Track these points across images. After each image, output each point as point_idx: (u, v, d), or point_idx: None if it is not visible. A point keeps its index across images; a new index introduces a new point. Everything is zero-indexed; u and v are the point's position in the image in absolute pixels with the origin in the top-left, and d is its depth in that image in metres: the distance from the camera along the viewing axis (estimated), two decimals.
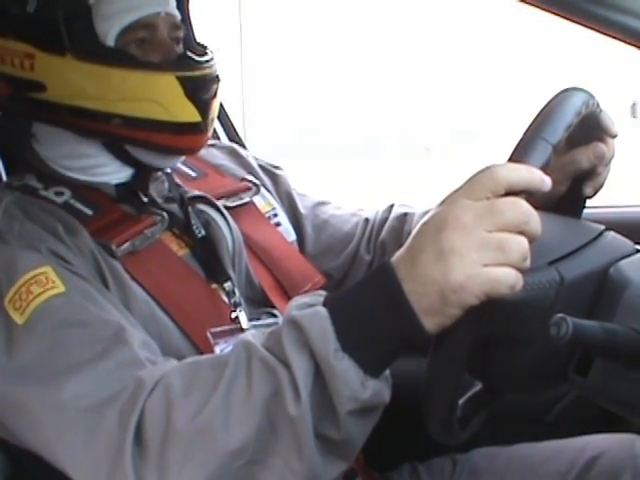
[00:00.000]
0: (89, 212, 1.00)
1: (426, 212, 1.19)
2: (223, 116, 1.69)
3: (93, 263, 0.94)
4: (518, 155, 0.77)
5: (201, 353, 0.97)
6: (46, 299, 0.86)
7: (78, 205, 1.01)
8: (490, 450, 1.18)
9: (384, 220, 1.26)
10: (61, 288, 0.88)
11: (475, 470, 1.15)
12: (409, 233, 1.18)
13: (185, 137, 1.02)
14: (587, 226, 0.91)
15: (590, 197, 1.00)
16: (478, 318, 0.74)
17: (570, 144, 0.99)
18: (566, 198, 1.00)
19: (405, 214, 1.24)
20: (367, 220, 1.28)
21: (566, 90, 0.85)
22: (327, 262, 1.24)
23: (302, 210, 1.27)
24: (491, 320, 0.77)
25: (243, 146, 1.63)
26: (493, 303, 0.73)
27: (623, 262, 0.85)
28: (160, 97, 0.99)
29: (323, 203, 1.31)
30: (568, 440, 1.16)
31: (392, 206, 1.28)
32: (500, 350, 0.84)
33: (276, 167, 1.31)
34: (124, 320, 0.89)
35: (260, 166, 1.29)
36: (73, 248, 0.93)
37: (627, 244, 0.89)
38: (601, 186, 1.00)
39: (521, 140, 0.79)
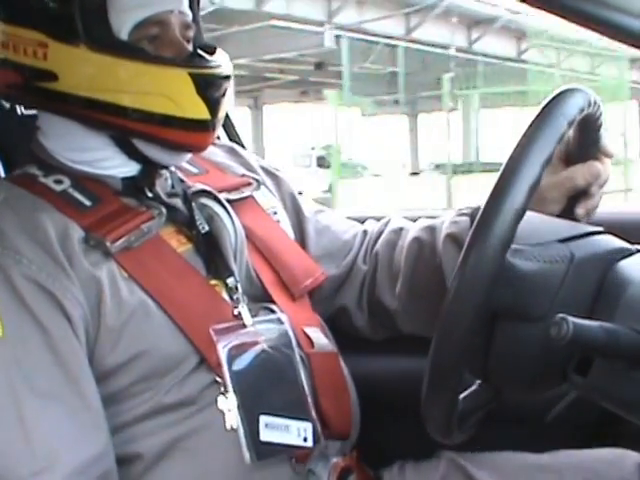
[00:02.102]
0: (87, 203, 1.00)
1: (426, 227, 1.19)
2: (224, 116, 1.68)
3: (86, 275, 0.94)
4: (535, 128, 0.79)
5: (200, 352, 0.97)
6: None
7: (77, 195, 1.01)
8: (476, 454, 1.16)
9: (380, 232, 1.26)
10: None
11: (460, 471, 1.14)
12: (402, 247, 1.19)
13: (194, 134, 1.02)
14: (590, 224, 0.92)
15: (581, 219, 1.01)
16: (492, 287, 0.77)
17: (567, 161, 0.99)
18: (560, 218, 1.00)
19: (401, 228, 1.24)
20: (365, 232, 1.28)
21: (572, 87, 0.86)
22: (326, 269, 1.23)
23: (306, 213, 1.27)
24: (504, 289, 0.80)
25: (242, 146, 1.63)
26: (507, 272, 0.77)
27: (623, 262, 0.85)
28: (172, 92, 0.99)
29: (322, 210, 1.31)
30: (556, 453, 1.14)
31: (390, 220, 1.28)
32: (507, 327, 0.84)
33: (277, 169, 1.31)
34: (55, 381, 0.90)
35: (261, 167, 1.28)
36: (63, 264, 0.93)
37: (627, 245, 0.89)
38: (594, 208, 1.01)
39: (538, 115, 0.81)
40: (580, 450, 1.14)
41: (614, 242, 0.88)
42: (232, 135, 1.69)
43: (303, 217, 1.26)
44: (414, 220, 1.24)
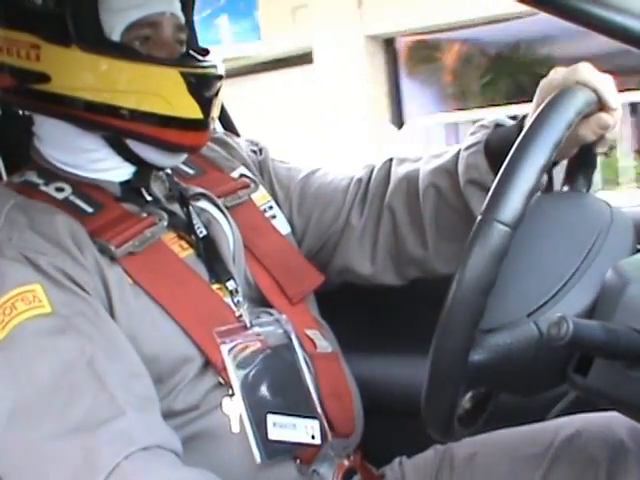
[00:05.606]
0: (89, 209, 1.00)
1: (438, 171, 1.13)
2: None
3: (98, 274, 0.94)
4: (557, 97, 0.82)
5: (205, 355, 0.98)
6: (28, 317, 0.87)
7: (78, 202, 1.01)
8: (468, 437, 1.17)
9: (384, 179, 1.20)
10: (47, 308, 0.88)
11: (453, 458, 1.15)
12: (417, 194, 1.14)
13: (187, 134, 1.02)
14: (574, 246, 0.87)
15: (602, 153, 0.99)
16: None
17: None
18: (577, 160, 0.99)
19: (406, 172, 1.17)
20: (360, 180, 1.22)
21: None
22: (324, 231, 1.22)
23: (282, 197, 1.24)
24: (478, 379, 0.81)
25: (237, 134, 1.62)
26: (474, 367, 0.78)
27: (623, 262, 0.85)
28: (164, 91, 0.99)
29: (312, 173, 1.26)
30: (545, 423, 1.15)
31: (390, 161, 1.21)
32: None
33: (260, 149, 1.29)
34: (109, 346, 0.89)
35: (252, 150, 1.27)
36: (79, 258, 0.93)
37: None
38: (612, 142, 0.97)
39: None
40: (571, 416, 1.13)
41: (590, 289, 0.84)
42: (227, 124, 1.68)
43: (282, 202, 1.24)
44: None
